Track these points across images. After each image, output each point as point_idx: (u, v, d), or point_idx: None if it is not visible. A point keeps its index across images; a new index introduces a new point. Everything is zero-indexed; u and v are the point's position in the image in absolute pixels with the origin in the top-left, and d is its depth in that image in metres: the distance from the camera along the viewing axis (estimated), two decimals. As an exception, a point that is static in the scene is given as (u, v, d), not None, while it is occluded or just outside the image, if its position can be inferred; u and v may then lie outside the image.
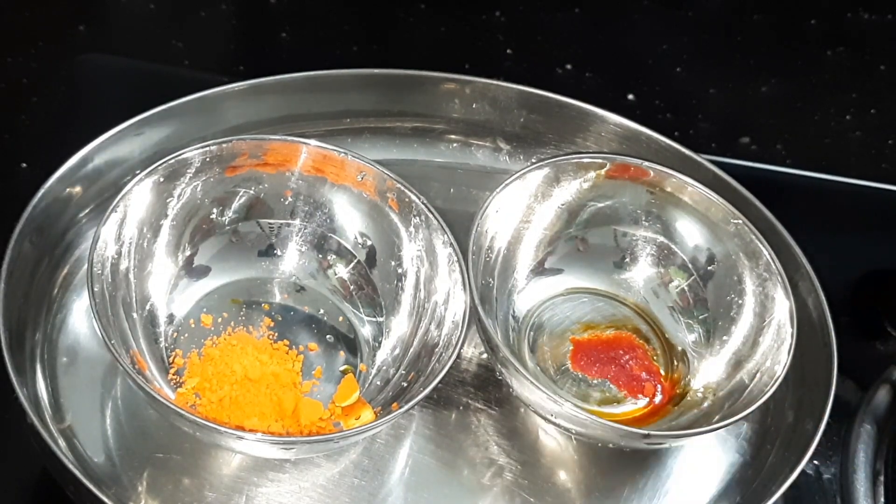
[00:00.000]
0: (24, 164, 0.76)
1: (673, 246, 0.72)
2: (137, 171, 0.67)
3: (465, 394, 0.69)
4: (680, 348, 0.71)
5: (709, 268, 0.71)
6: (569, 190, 0.72)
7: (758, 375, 0.67)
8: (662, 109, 0.89)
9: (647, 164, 0.72)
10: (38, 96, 0.80)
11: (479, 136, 0.80)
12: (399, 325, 0.69)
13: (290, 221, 0.71)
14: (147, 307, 0.67)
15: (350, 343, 0.69)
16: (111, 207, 0.64)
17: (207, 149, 0.67)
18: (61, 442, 0.63)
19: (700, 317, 0.71)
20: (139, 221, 0.66)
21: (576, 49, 0.92)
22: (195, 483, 0.63)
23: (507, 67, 0.90)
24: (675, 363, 0.70)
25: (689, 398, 0.68)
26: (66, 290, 0.69)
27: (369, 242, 0.70)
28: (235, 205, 0.70)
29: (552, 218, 0.72)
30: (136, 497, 0.63)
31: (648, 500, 0.67)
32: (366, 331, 0.70)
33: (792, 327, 0.67)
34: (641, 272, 0.73)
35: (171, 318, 0.68)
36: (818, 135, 0.89)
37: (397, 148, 0.78)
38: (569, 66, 0.91)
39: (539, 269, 0.72)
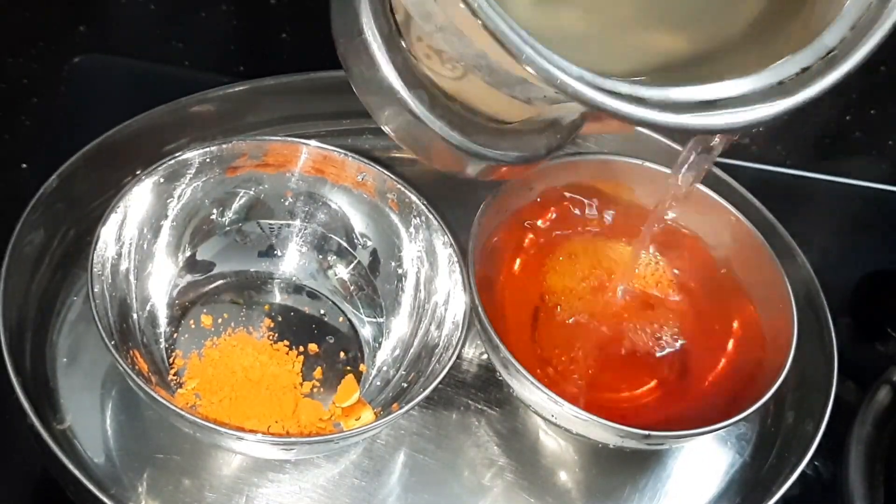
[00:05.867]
0: (24, 165, 0.76)
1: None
2: (137, 172, 0.67)
3: (466, 394, 0.69)
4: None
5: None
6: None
7: None
8: (662, 109, 0.88)
9: (647, 163, 0.72)
10: (38, 96, 0.80)
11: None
12: (399, 325, 0.69)
13: (290, 222, 0.71)
14: (147, 308, 0.67)
15: (350, 344, 0.69)
16: (111, 207, 0.64)
17: (207, 149, 0.67)
18: (61, 442, 0.63)
19: None
20: (139, 222, 0.66)
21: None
22: (195, 484, 0.63)
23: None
24: None
25: None
26: (66, 290, 0.69)
27: (370, 243, 0.70)
28: (236, 205, 0.70)
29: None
30: (136, 498, 0.63)
31: (649, 501, 0.67)
32: (366, 331, 0.70)
33: (792, 328, 0.67)
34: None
35: (171, 318, 0.68)
36: (818, 135, 0.89)
37: (397, 148, 0.77)
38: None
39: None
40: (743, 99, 0.46)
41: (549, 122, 0.51)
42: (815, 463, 0.69)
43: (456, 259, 0.67)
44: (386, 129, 0.54)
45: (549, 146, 0.52)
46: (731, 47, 0.49)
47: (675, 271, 0.72)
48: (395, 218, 0.69)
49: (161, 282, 0.68)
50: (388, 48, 0.50)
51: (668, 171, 0.71)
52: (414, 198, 0.68)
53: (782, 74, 0.46)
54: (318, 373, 0.67)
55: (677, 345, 0.71)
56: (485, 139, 0.52)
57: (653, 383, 0.69)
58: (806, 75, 0.46)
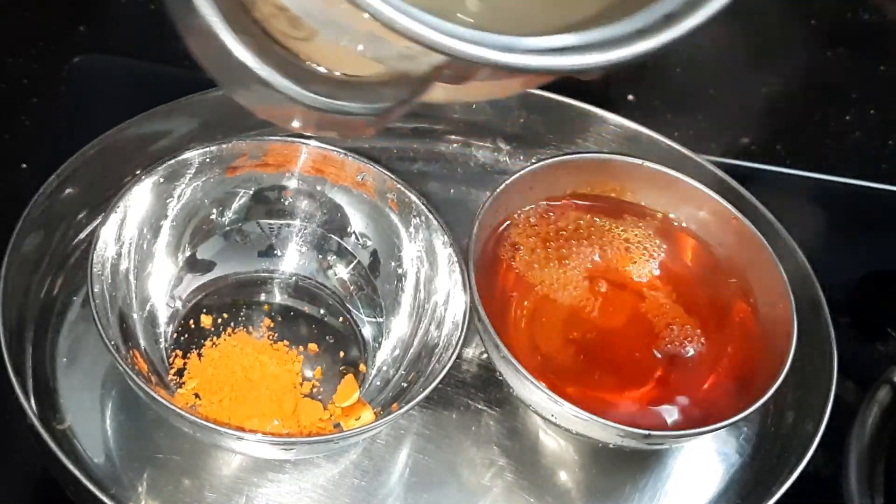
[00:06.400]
0: (24, 165, 0.76)
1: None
2: (137, 171, 0.67)
3: (466, 394, 0.69)
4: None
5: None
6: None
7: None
8: (662, 109, 0.89)
9: (647, 163, 0.72)
10: (38, 96, 0.80)
11: (479, 137, 0.80)
12: (399, 325, 0.69)
13: (290, 222, 0.71)
14: (147, 307, 0.67)
15: (350, 344, 0.69)
16: (111, 207, 0.64)
17: (207, 149, 0.67)
18: (61, 442, 0.63)
19: None
20: (139, 222, 0.66)
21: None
22: (195, 484, 0.63)
23: (508, 67, 0.90)
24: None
25: None
26: (66, 290, 0.69)
27: (369, 243, 0.70)
28: (235, 205, 0.70)
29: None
30: (136, 497, 0.63)
31: (649, 501, 0.67)
32: (366, 331, 0.70)
33: (792, 328, 0.67)
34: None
35: (171, 318, 0.68)
36: (818, 135, 0.89)
37: (397, 148, 0.78)
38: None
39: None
40: (588, 47, 0.45)
41: (397, 74, 0.48)
42: (816, 463, 0.69)
43: (456, 259, 0.67)
44: (218, 82, 0.49)
45: (398, 97, 0.49)
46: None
47: (676, 271, 0.72)
48: (395, 218, 0.69)
49: (161, 282, 0.68)
50: None
51: (668, 171, 0.72)
52: (414, 198, 0.68)
53: (641, 23, 0.45)
54: (318, 373, 0.67)
55: (677, 344, 0.71)
56: (323, 89, 0.49)
57: (653, 383, 0.69)
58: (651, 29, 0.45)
